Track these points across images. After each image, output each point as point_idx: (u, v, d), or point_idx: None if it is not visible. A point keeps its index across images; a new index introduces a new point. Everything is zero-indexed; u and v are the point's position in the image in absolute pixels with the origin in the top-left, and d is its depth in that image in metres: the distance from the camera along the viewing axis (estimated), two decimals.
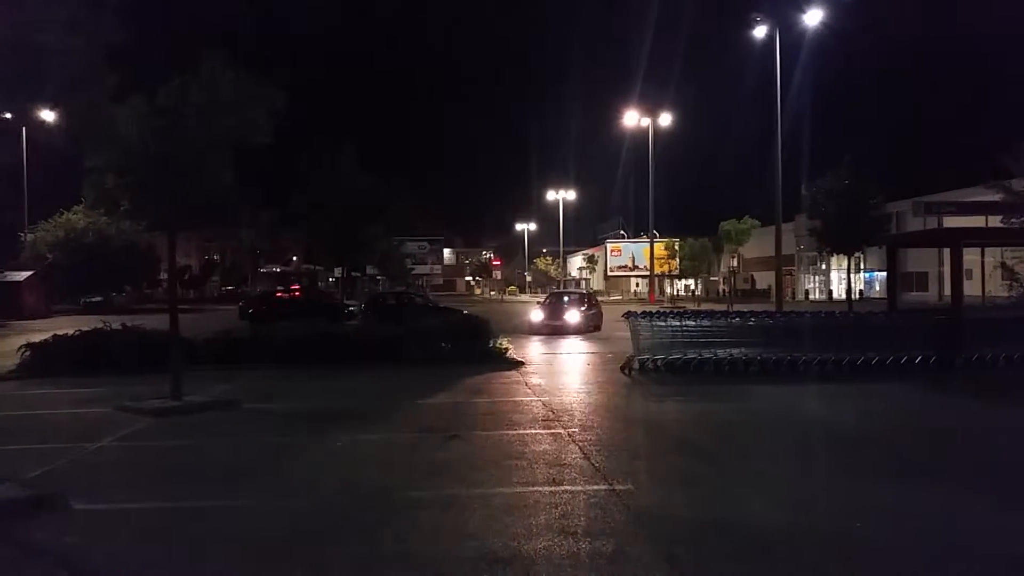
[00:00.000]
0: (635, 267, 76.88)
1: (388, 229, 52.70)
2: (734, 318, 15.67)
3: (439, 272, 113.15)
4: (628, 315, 15.22)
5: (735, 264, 59.54)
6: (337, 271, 61.05)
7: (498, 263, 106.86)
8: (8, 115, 8.97)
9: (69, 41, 6.53)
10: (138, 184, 11.20)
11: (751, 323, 15.26)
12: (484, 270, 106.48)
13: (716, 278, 73.07)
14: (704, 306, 40.02)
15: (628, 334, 15.41)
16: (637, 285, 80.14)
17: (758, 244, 62.75)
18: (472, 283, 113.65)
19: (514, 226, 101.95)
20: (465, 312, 22.69)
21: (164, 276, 53.26)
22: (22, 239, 46.43)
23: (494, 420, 10.03)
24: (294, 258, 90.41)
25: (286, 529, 5.73)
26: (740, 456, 8.13)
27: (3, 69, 6.34)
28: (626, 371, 14.47)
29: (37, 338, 15.87)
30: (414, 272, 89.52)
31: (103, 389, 12.52)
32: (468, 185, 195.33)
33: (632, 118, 50.41)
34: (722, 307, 31.82)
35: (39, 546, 5.38)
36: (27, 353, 15.16)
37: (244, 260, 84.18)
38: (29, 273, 42.62)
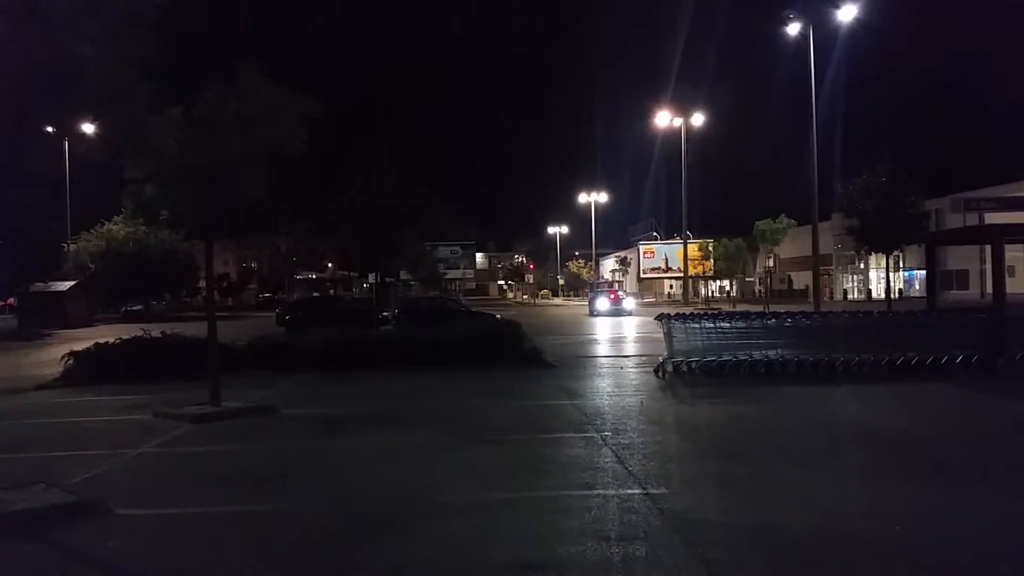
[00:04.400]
0: (668, 268, 76.26)
1: (421, 234, 53.06)
2: (769, 319, 15.48)
3: (471, 276, 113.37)
4: (661, 317, 15.11)
5: (771, 264, 58.81)
6: (371, 277, 61.65)
7: (530, 267, 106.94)
8: (50, 128, 9.20)
9: (107, 55, 6.68)
10: (176, 194, 11.40)
11: (787, 324, 15.06)
12: (516, 274, 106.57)
13: (751, 279, 72.22)
14: (739, 307, 39.59)
15: (661, 336, 15.30)
16: (671, 287, 79.55)
17: (794, 244, 61.86)
18: (504, 287, 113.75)
19: (546, 229, 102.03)
20: (498, 316, 22.75)
21: (203, 284, 54.15)
22: (64, 250, 47.62)
23: (526, 423, 10.03)
24: (329, 265, 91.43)
25: (320, 533, 5.78)
26: (776, 459, 8.02)
27: (44, 84, 6.51)
28: (659, 373, 14.36)
29: (80, 347, 16.26)
30: (447, 277, 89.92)
31: (143, 396, 12.78)
32: (500, 189, 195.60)
33: (664, 118, 50.20)
34: (758, 308, 31.46)
35: (82, 551, 5.50)
36: (70, 361, 15.55)
37: (281, 267, 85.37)
38: (72, 283, 43.75)
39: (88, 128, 10.04)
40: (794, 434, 9.37)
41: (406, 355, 16.27)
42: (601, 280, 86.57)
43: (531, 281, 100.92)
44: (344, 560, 5.21)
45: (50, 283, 42.90)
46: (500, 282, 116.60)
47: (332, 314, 29.15)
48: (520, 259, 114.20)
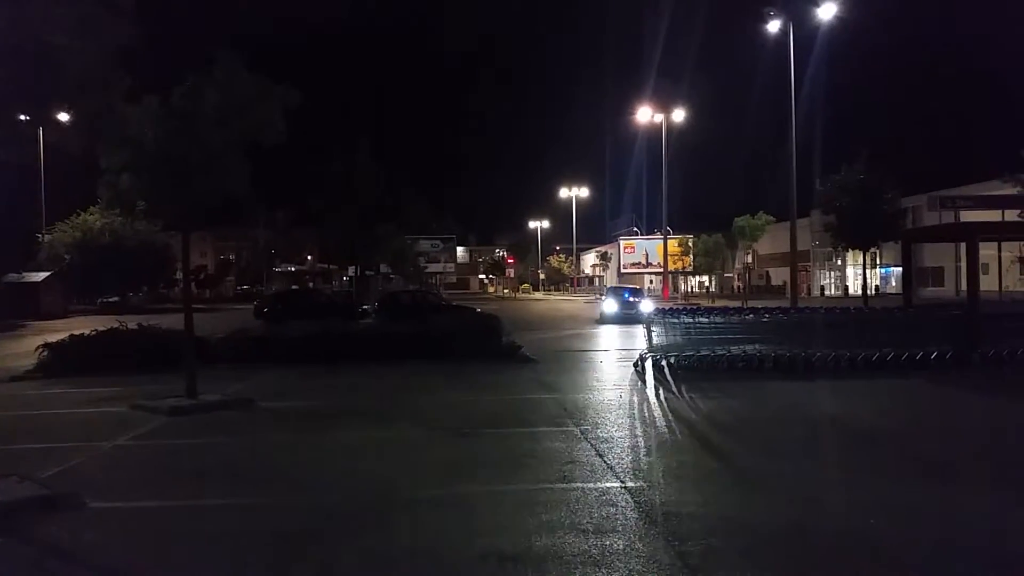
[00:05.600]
0: (648, 264, 76.59)
1: (401, 228, 52.91)
2: (748, 315, 15.61)
3: (452, 270, 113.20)
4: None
5: (749, 260, 59.32)
6: (351, 270, 61.39)
7: (511, 261, 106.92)
8: (24, 117, 9.04)
9: (80, 42, 6.59)
10: (153, 184, 11.28)
11: (765, 319, 15.20)
12: (497, 268, 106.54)
13: (730, 275, 72.77)
14: (718, 303, 39.87)
15: (641, 331, 15.38)
16: (651, 282, 79.94)
17: (772, 240, 62.43)
18: (485, 281, 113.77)
19: (527, 224, 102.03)
20: (478, 310, 22.75)
21: (180, 276, 53.62)
22: (39, 240, 46.92)
23: (505, 417, 10.05)
24: (309, 257, 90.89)
25: (298, 526, 5.76)
26: (753, 453, 8.10)
27: (16, 71, 6.40)
28: (639, 368, 14.44)
29: (54, 338, 16.03)
30: (427, 271, 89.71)
31: (119, 388, 12.64)
32: (482, 184, 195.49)
33: (645, 114, 50.26)
34: (736, 304, 31.68)
35: (56, 544, 5.44)
36: (44, 353, 15.32)
37: (259, 259, 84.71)
38: (47, 274, 43.13)
39: (63, 117, 9.88)
40: (771, 428, 9.47)
41: (386, 349, 16.22)
42: (582, 276, 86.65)
43: (512, 275, 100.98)
44: (323, 552, 5.19)
45: (24, 274, 42.27)
46: (481, 276, 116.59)
47: (311, 307, 28.99)
48: (501, 253, 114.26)
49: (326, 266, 79.32)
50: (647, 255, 76.38)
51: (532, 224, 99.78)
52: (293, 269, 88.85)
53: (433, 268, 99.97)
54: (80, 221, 49.55)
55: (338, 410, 11.02)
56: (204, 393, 11.10)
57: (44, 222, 47.41)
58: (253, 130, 11.09)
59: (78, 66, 6.81)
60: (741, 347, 14.34)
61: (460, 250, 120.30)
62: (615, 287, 38.87)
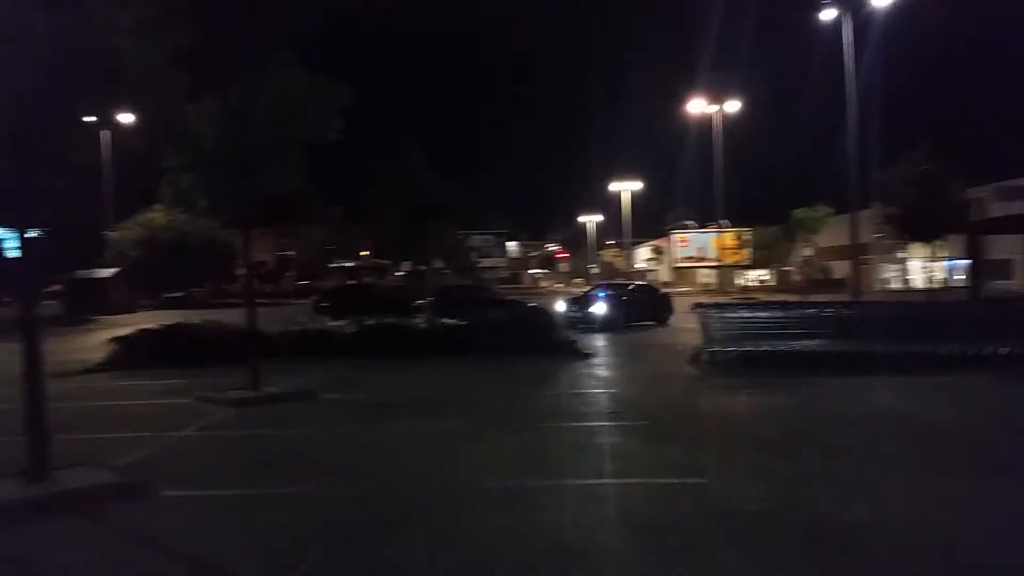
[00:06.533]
0: (703, 258, 75.45)
1: (453, 223, 53.27)
2: (807, 309, 15.28)
3: (504, 265, 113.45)
4: (697, 306, 15.01)
5: (809, 253, 57.94)
6: (405, 265, 62.03)
7: (564, 255, 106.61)
8: (91, 119, 9.37)
9: (141, 45, 6.80)
10: (213, 183, 11.61)
11: (825, 314, 14.85)
12: (549, 262, 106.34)
13: (789, 268, 71.21)
14: (777, 297, 39.09)
15: (696, 326, 15.20)
16: (706, 277, 78.76)
17: (832, 233, 60.81)
18: (538, 276, 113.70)
19: (580, 218, 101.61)
20: (531, 304, 22.74)
21: (241, 271, 54.95)
22: (107, 237, 48.63)
23: (562, 411, 10.06)
24: (364, 253, 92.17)
25: (360, 516, 5.87)
26: (814, 450, 7.93)
27: (83, 76, 6.64)
28: (695, 363, 14.28)
29: (123, 332, 16.65)
30: (480, 265, 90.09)
31: (185, 381, 13.05)
32: (534, 178, 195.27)
33: (698, 105, 49.55)
34: (795, 298, 31.04)
35: (130, 530, 5.66)
36: (115, 347, 15.94)
37: (316, 255, 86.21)
38: (114, 270, 44.72)
39: (127, 118, 10.24)
40: (834, 425, 9.26)
41: (440, 342, 16.38)
42: (636, 270, 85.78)
43: (565, 270, 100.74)
44: (383, 542, 5.28)
45: (93, 270, 43.91)
46: (533, 271, 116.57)
47: (367, 302, 29.35)
48: (553, 248, 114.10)
49: (380, 262, 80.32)
50: (702, 249, 75.27)
51: (584, 219, 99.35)
52: (349, 265, 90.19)
53: (485, 263, 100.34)
54: (145, 219, 51.14)
55: (396, 402, 11.19)
56: (267, 386, 11.39)
57: (111, 220, 49.14)
58: (309, 129, 11.31)
59: (140, 68, 7.02)
60: (801, 342, 14.05)
61: (512, 245, 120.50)
62: (599, 285, 34.96)
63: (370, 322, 16.93)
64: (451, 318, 17.36)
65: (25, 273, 6.85)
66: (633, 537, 5.28)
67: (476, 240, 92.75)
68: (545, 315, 18.34)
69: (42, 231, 6.87)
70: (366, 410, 10.64)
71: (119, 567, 4.98)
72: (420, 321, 18.12)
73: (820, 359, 13.73)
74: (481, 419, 9.61)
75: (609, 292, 26.51)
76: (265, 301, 51.89)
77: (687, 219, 78.37)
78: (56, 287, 44.87)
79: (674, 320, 24.92)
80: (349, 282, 53.37)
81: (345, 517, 5.85)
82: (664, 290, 28.96)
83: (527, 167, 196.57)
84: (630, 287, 29.35)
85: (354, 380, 13.49)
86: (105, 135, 42.56)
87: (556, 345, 16.80)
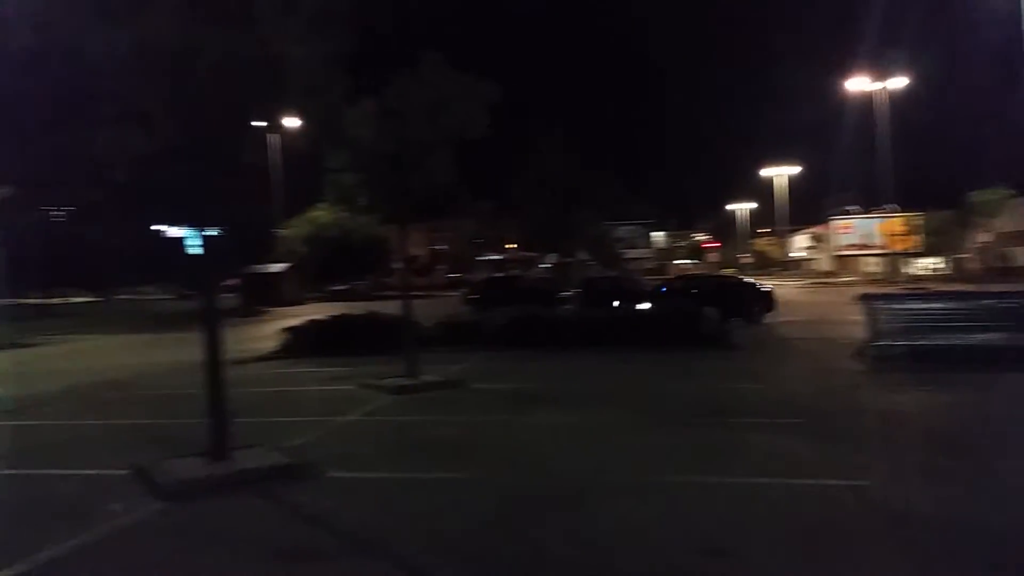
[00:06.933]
0: (868, 245, 70.65)
1: (598, 214, 53.02)
2: (985, 300, 13.92)
3: (650, 256, 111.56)
4: (863, 297, 14.07)
5: (987, 239, 52.82)
6: (551, 257, 62.47)
7: (713, 245, 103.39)
8: (262, 123, 10.09)
9: (305, 51, 7.22)
10: (371, 181, 12.22)
11: (1006, 305, 13.46)
12: (698, 253, 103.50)
13: (964, 255, 65.27)
14: (951, 287, 35.97)
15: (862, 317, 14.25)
16: (872, 265, 73.73)
17: (1013, 216, 55.27)
18: (685, 267, 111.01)
19: (730, 206, 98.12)
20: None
21: (398, 265, 57.43)
22: (278, 234, 52.46)
23: (711, 406, 9.76)
24: (511, 246, 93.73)
25: (510, 504, 5.99)
26: (997, 451, 7.23)
27: (253, 82, 7.12)
28: (860, 358, 13.41)
29: (293, 323, 17.95)
30: (625, 256, 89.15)
31: (349, 368, 13.87)
32: (682, 167, 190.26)
33: (859, 83, 46.34)
34: (971, 288, 28.42)
35: (300, 508, 6.08)
36: (285, 336, 17.23)
37: (465, 248, 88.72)
38: (285, 265, 48.26)
39: (293, 122, 10.93)
40: (1018, 426, 8.41)
41: (587, 334, 16.38)
42: (791, 258, 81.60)
43: (714, 260, 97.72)
44: (533, 530, 5.36)
45: (266, 265, 47.59)
46: (680, 261, 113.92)
47: (515, 293, 29.86)
48: (702, 237, 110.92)
49: (527, 254, 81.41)
50: (866, 235, 70.50)
51: (735, 206, 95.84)
52: (497, 257, 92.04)
53: (631, 253, 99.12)
54: (311, 216, 54.64)
55: (545, 393, 11.30)
56: (423, 374, 11.88)
57: (281, 218, 52.95)
58: (458, 125, 11.63)
59: (304, 74, 7.45)
60: (979, 336, 12.83)
61: (659, 235, 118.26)
62: (590, 277, 31.75)
63: (517, 313, 17.21)
64: (597, 309, 17.32)
65: (206, 268, 7.47)
66: (785, 540, 5.05)
67: (621, 231, 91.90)
68: (693, 306, 17.86)
69: (220, 230, 7.45)
70: (515, 400, 10.83)
71: (291, 542, 5.36)
72: (567, 312, 18.20)
73: (1000, 354, 12.49)
74: (630, 413, 9.51)
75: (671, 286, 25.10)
76: (419, 293, 54.05)
77: (849, 204, 73.62)
78: (234, 281, 49.07)
79: (774, 318, 22.71)
80: (496, 274, 54.49)
81: (496, 504, 5.99)
82: (763, 285, 25.59)
83: (674, 154, 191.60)
84: (710, 279, 27.94)
85: (503, 370, 13.77)
86: (274, 139, 45.84)
87: (706, 337, 16.33)
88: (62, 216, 44.51)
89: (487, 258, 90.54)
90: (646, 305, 19.32)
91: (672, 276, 36.08)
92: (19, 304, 43.87)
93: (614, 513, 5.69)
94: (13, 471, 7.62)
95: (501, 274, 52.74)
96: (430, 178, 12.01)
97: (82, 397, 12.59)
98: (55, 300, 46.19)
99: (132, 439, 8.89)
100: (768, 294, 23.92)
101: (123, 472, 7.04)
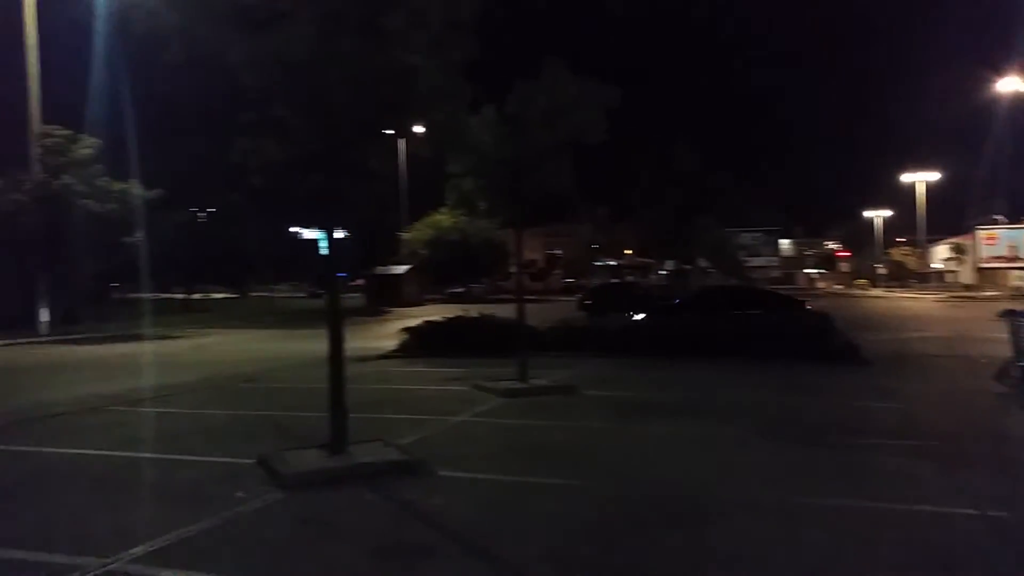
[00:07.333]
0: (1016, 258, 65.25)
1: (720, 220, 51.58)
2: None
3: (776, 264, 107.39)
4: (1007, 313, 13.00)
5: None
6: (668, 264, 61.41)
7: (844, 254, 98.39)
8: (389, 131, 10.46)
9: (431, 61, 7.44)
10: (490, 186, 12.44)
11: None
12: (828, 262, 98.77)
13: None
14: None
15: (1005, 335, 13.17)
16: (1020, 279, 68.02)
17: None
18: (814, 276, 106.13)
19: (863, 213, 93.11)
20: (808, 307, 21.28)
21: (514, 269, 58.11)
22: (401, 237, 54.31)
23: (835, 425, 9.30)
24: (628, 252, 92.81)
25: (620, 514, 5.94)
26: None
27: (383, 91, 7.39)
28: (1003, 379, 12.39)
29: (412, 323, 18.54)
30: (748, 265, 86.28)
31: (463, 369, 14.16)
32: (810, 172, 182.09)
33: (1009, 84, 42.86)
34: None
35: (412, 504, 6.24)
36: (405, 336, 17.83)
37: (581, 254, 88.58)
38: (407, 267, 49.95)
39: (418, 128, 11.31)
40: None
41: (702, 344, 15.98)
42: (930, 270, 76.67)
43: (845, 270, 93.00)
44: (643, 544, 5.27)
45: (389, 267, 49.40)
46: (809, 271, 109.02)
47: (628, 300, 29.54)
48: (833, 246, 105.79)
49: (644, 260, 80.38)
50: (1015, 247, 65.16)
51: (868, 214, 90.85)
52: (613, 263, 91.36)
53: (755, 262, 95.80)
54: (433, 221, 56.19)
55: (654, 402, 11.13)
56: (533, 378, 11.96)
57: (404, 221, 54.79)
58: (576, 130, 11.63)
59: (429, 82, 7.67)
60: None
61: (785, 243, 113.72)
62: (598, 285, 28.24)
63: (630, 321, 17.03)
64: (715, 320, 16.84)
65: (333, 269, 7.83)
66: (904, 571, 4.72)
67: (745, 238, 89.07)
68: (821, 318, 17.08)
69: (348, 233, 7.78)
70: (623, 408, 10.71)
71: (401, 536, 5.53)
72: (681, 321, 17.78)
73: None
74: (747, 427, 9.18)
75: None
76: (534, 298, 54.43)
77: (996, 213, 68.27)
78: (360, 281, 51.15)
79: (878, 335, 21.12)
80: (612, 281, 54.09)
81: (606, 514, 5.95)
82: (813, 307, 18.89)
83: (803, 158, 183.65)
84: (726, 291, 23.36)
85: (613, 377, 13.65)
86: (400, 144, 47.44)
87: (833, 350, 15.57)
88: (204, 217, 47.84)
89: (603, 264, 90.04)
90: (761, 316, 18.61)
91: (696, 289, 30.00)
92: (165, 299, 47.55)
93: (729, 532, 5.50)
94: (151, 455, 8.20)
95: (616, 280, 52.35)
96: (547, 183, 12.09)
97: (216, 388, 13.47)
98: (196, 296, 49.65)
99: (259, 430, 9.42)
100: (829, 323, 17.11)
101: (248, 461, 7.46)
